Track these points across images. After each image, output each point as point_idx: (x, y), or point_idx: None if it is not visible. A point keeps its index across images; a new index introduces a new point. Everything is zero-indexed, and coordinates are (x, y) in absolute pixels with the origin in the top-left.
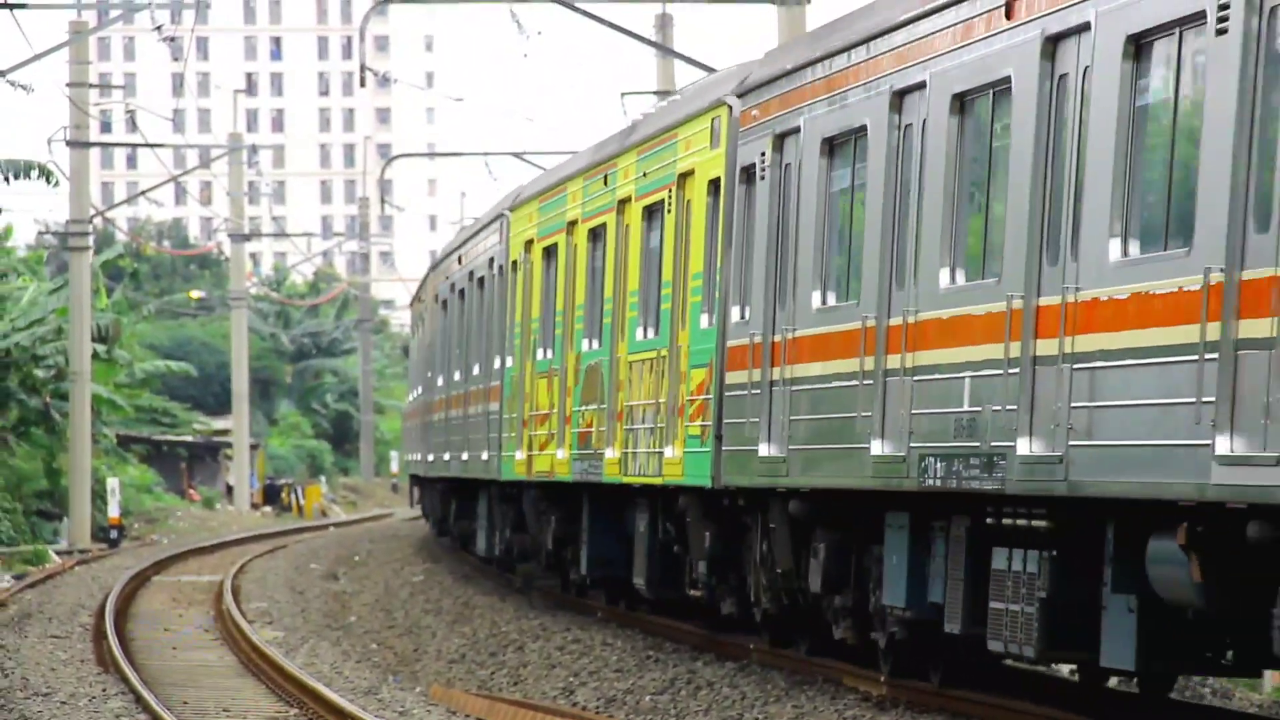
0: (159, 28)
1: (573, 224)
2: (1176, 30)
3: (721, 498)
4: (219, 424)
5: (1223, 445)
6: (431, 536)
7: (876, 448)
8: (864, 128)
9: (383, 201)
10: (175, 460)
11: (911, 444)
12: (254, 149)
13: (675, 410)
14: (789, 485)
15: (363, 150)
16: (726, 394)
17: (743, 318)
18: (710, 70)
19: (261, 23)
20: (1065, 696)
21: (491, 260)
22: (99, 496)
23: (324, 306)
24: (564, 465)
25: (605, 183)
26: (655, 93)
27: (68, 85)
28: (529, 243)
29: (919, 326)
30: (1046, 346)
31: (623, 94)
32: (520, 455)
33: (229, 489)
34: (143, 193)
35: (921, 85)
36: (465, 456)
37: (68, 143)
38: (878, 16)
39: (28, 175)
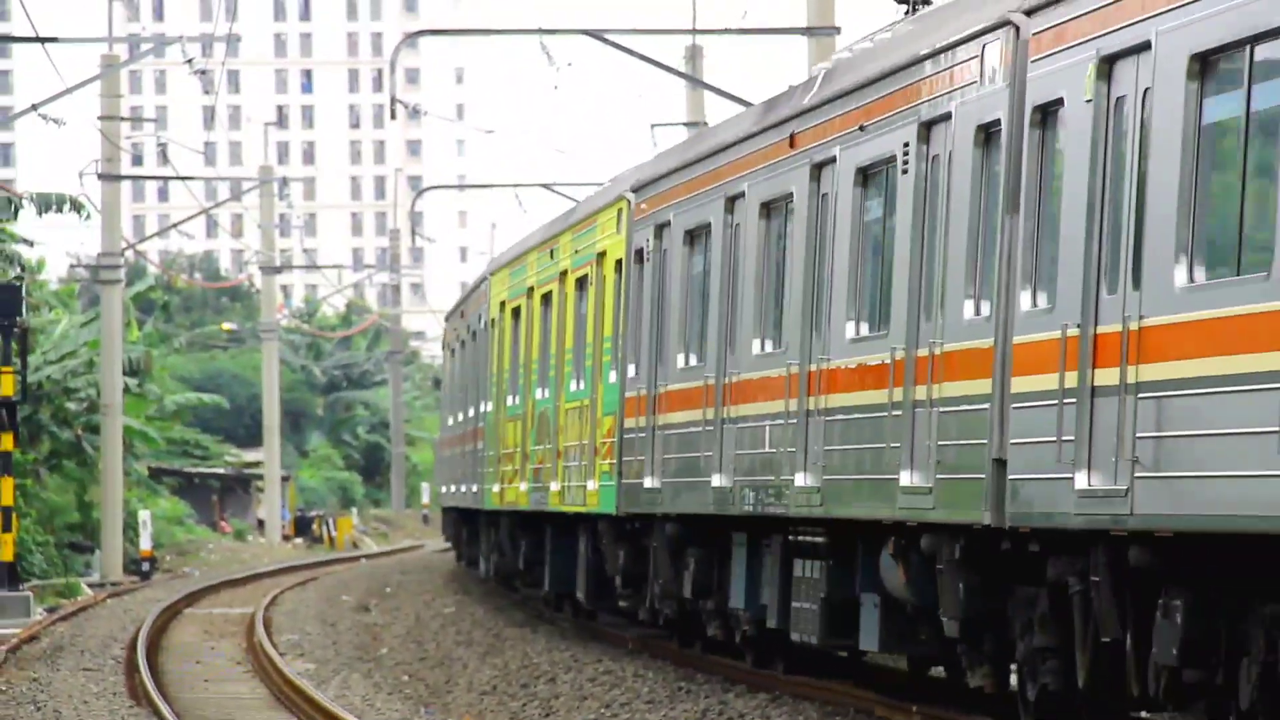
0: (190, 61)
1: (531, 290)
2: (1247, 47)
3: (625, 523)
4: (250, 456)
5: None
6: (461, 567)
7: (716, 480)
8: (706, 226)
9: (413, 233)
10: (207, 492)
11: (736, 478)
12: (285, 181)
13: (594, 450)
14: (663, 511)
15: (393, 182)
16: (625, 436)
17: (635, 374)
18: (742, 102)
19: (292, 55)
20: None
21: (480, 316)
22: (131, 529)
23: (355, 338)
24: (524, 496)
25: (551, 256)
26: (685, 124)
27: (99, 118)
28: (502, 303)
29: (739, 385)
30: (1107, 374)
31: (653, 125)
32: (496, 488)
33: (260, 521)
34: (174, 225)
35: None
36: (462, 489)
37: (99, 176)
38: (712, 139)
39: (60, 209)
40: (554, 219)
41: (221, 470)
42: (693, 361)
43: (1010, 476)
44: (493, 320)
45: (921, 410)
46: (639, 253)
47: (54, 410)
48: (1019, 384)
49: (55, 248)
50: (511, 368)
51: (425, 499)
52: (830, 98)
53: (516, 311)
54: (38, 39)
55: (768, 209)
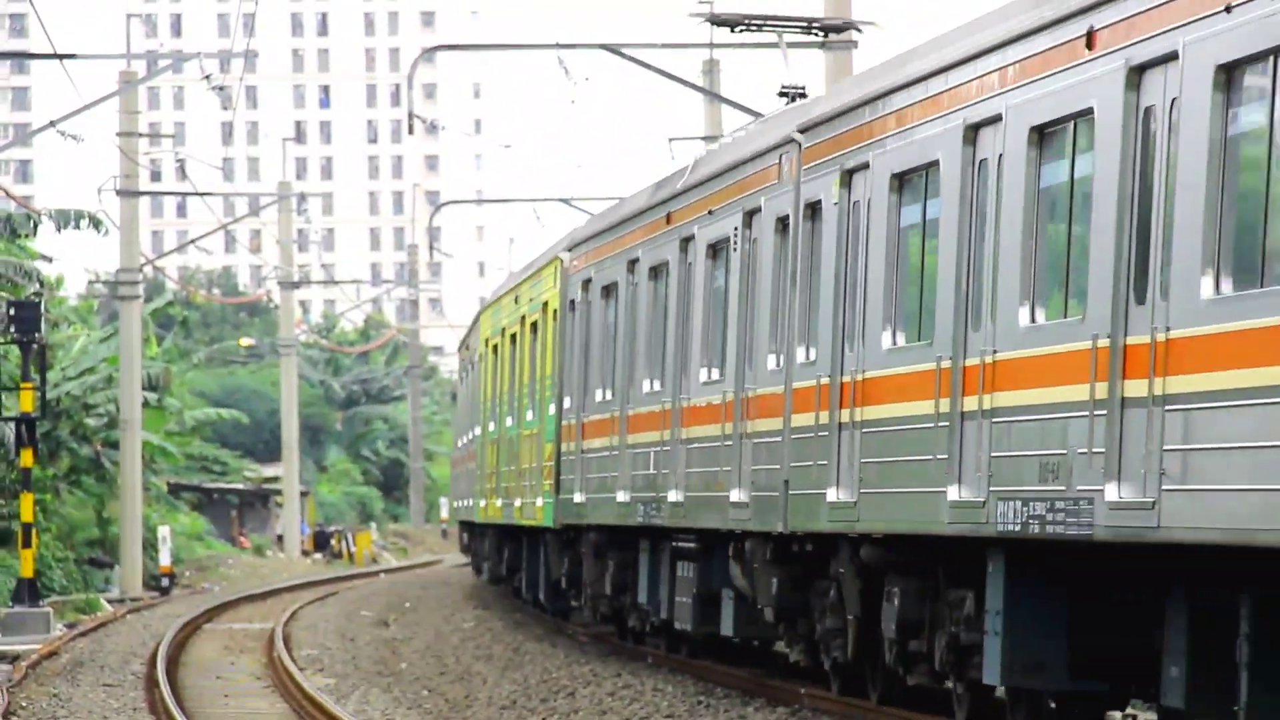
0: (208, 77)
1: (504, 330)
2: (1271, 58)
3: (563, 533)
4: (269, 471)
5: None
6: (480, 581)
7: (620, 496)
8: (615, 284)
9: (431, 248)
10: (226, 508)
11: (633, 494)
12: (303, 197)
13: (541, 471)
14: (587, 522)
15: (411, 197)
16: (562, 459)
17: (569, 406)
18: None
19: (310, 71)
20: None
21: (473, 349)
22: (150, 545)
23: (373, 353)
24: (499, 511)
25: (515, 302)
26: (703, 138)
27: (118, 134)
28: (487, 340)
29: (633, 417)
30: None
31: (670, 139)
32: (483, 503)
33: (279, 537)
34: (192, 241)
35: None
36: (468, 504)
37: (118, 192)
38: (623, 209)
39: (78, 225)
40: (523, 268)
41: (240, 485)
42: (607, 396)
43: (790, 493)
44: (481, 355)
45: (746, 441)
46: (571, 303)
47: (73, 426)
48: (795, 420)
49: (74, 264)
50: (492, 398)
51: (444, 514)
52: (691, 186)
53: (496, 349)
54: (56, 55)
55: (654, 272)
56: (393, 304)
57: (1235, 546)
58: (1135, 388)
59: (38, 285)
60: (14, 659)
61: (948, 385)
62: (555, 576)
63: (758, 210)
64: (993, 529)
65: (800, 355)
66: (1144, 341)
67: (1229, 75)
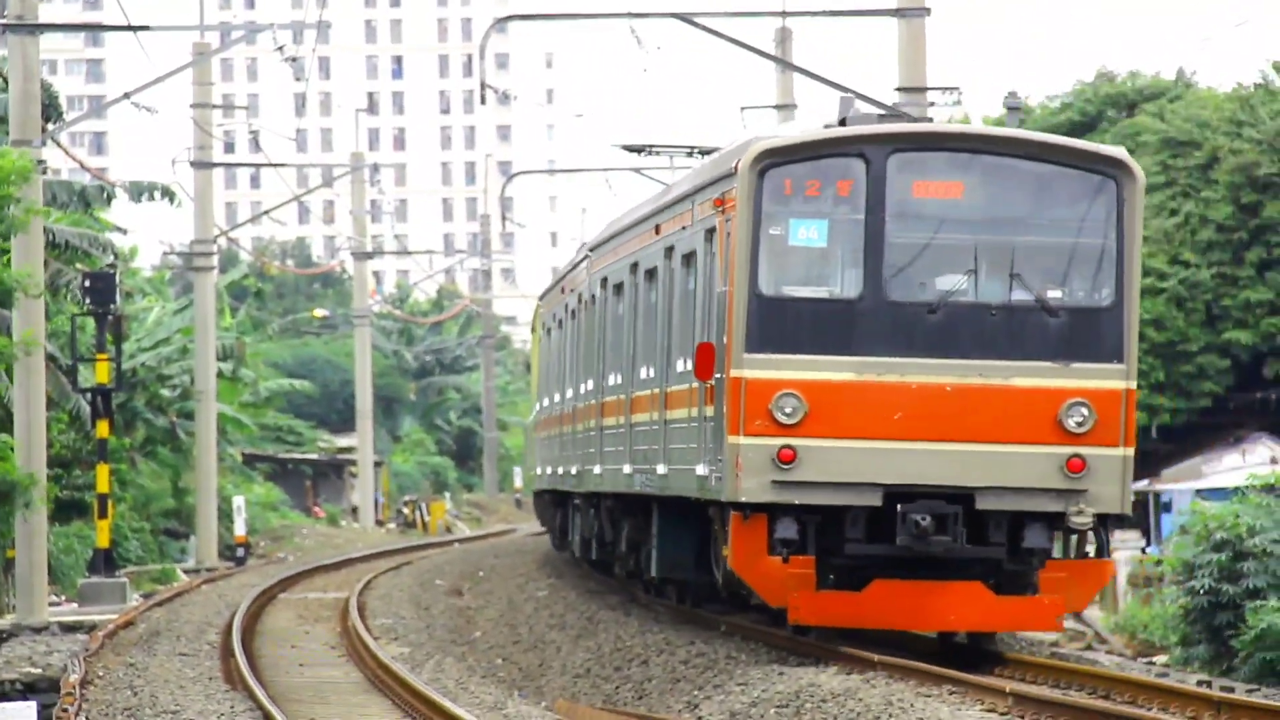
0: (281, 48)
1: (534, 328)
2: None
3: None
4: (343, 441)
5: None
6: (554, 551)
7: (595, 469)
8: (621, 282)
9: (504, 218)
10: (300, 478)
11: (633, 466)
12: (376, 167)
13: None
14: (585, 490)
15: (484, 167)
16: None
17: (549, 401)
18: (830, 84)
19: (383, 42)
20: None
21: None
22: (225, 515)
23: (446, 324)
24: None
25: (561, 293)
26: (775, 107)
27: (191, 106)
28: (534, 329)
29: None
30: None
31: (742, 108)
32: (538, 470)
33: (354, 507)
34: (266, 212)
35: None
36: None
37: (192, 163)
38: (626, 219)
39: (152, 196)
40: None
41: (315, 456)
42: (560, 399)
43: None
44: (538, 339)
45: (624, 429)
46: (593, 297)
47: (148, 397)
48: (635, 419)
49: (148, 236)
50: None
51: (518, 483)
52: (643, 215)
53: (541, 338)
54: (130, 28)
55: (617, 288)
56: (465, 274)
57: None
58: (670, 415)
59: (112, 257)
60: (91, 629)
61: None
62: (587, 538)
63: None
64: (637, 489)
65: (642, 373)
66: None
67: (689, 256)
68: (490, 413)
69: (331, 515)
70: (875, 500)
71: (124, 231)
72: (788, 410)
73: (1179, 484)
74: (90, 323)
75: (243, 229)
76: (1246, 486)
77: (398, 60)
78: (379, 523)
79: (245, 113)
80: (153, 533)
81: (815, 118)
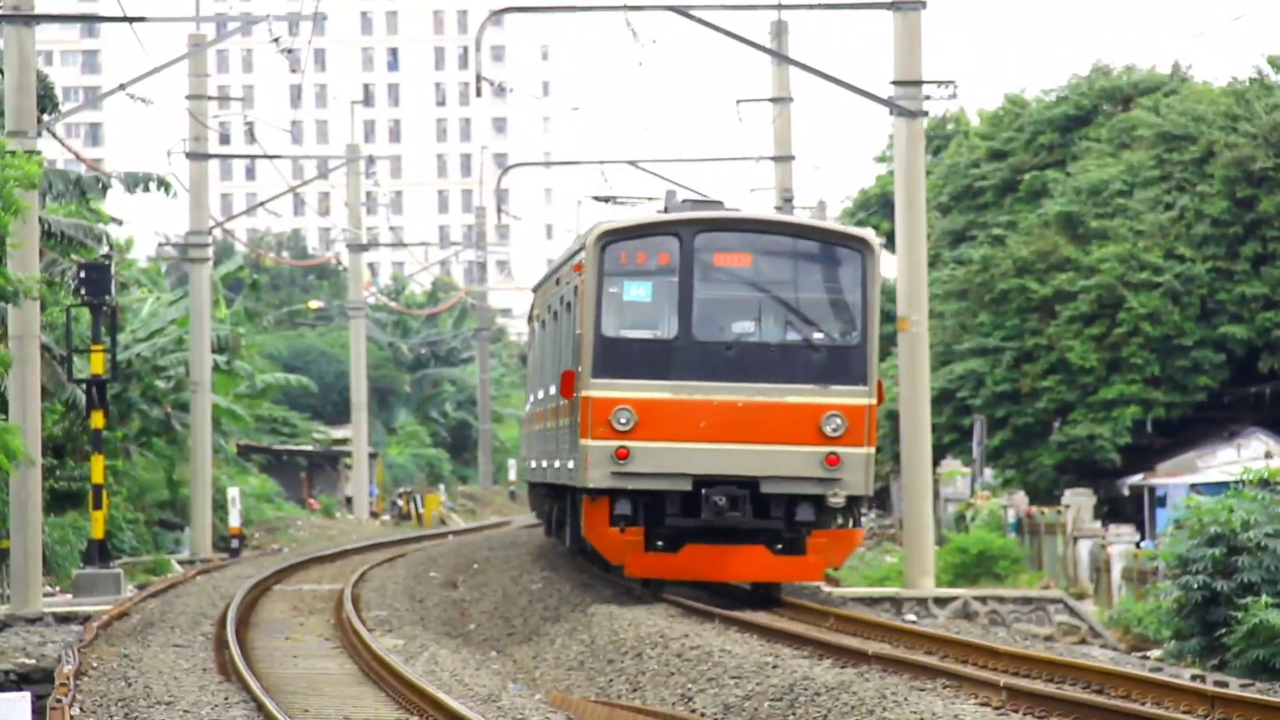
0: (276, 40)
1: (529, 317)
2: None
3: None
4: (338, 433)
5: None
6: (548, 543)
7: (534, 464)
8: (544, 318)
9: (499, 211)
10: (295, 469)
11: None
12: (371, 159)
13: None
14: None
15: (479, 160)
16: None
17: (535, 397)
18: (826, 77)
19: (378, 34)
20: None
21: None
22: (220, 506)
23: (442, 316)
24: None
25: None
26: (771, 99)
27: (187, 98)
28: (529, 319)
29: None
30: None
31: (738, 101)
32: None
33: (348, 498)
34: (261, 204)
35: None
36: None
37: (187, 155)
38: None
39: (147, 187)
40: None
41: (309, 447)
42: (550, 392)
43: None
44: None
45: (552, 432)
46: (541, 322)
47: (143, 388)
48: (548, 425)
49: (143, 227)
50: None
51: (512, 475)
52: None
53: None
54: (126, 19)
55: (554, 315)
56: (461, 266)
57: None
58: (561, 424)
59: (108, 248)
60: (85, 619)
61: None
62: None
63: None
64: (552, 480)
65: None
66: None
67: (568, 305)
68: (485, 405)
69: (326, 507)
70: (686, 486)
71: (119, 223)
72: (623, 420)
73: (1174, 478)
74: (85, 313)
75: (238, 220)
76: (1241, 481)
77: (393, 52)
78: (373, 515)
79: (241, 104)
80: (147, 524)
81: (805, 112)
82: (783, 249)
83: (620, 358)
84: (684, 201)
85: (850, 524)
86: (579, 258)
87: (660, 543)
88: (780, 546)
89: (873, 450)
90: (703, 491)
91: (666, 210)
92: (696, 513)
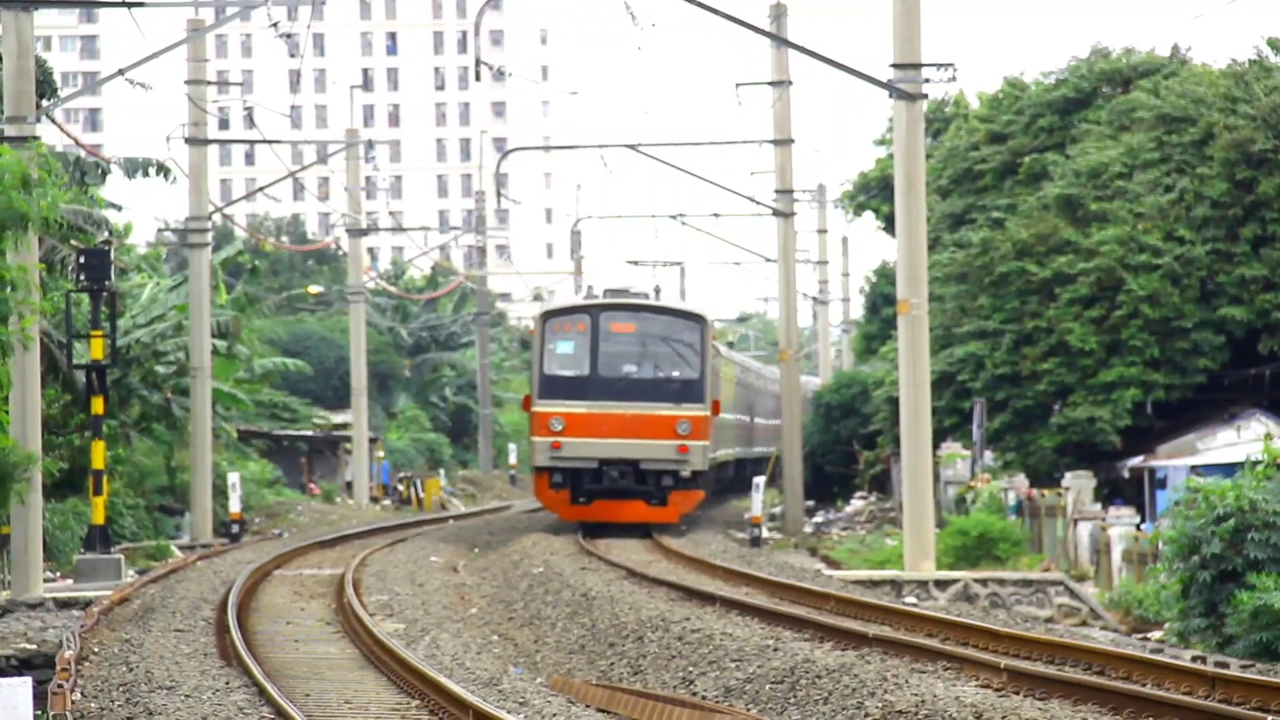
0: (275, 24)
1: None
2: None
3: None
4: (338, 418)
5: None
6: (551, 528)
7: None
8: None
9: (499, 195)
10: (295, 454)
11: None
12: (371, 144)
13: None
14: None
15: (478, 144)
16: None
17: None
18: (825, 60)
19: (377, 18)
20: None
21: None
22: (220, 491)
23: (441, 300)
24: None
25: None
26: (770, 83)
27: (186, 83)
28: None
29: None
30: None
31: (737, 85)
32: None
33: (349, 483)
34: (261, 189)
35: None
36: None
37: (186, 140)
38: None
39: (146, 173)
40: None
41: (310, 432)
42: None
43: None
44: None
45: None
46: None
47: (143, 373)
48: None
49: (143, 212)
50: None
51: (513, 459)
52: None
53: None
54: (124, 4)
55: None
56: (460, 251)
57: None
58: None
59: (107, 233)
60: (86, 604)
61: None
62: None
63: None
64: None
65: None
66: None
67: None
68: (485, 389)
69: (326, 492)
70: (595, 465)
71: (119, 208)
72: (557, 426)
73: (1174, 460)
74: (85, 299)
75: (238, 206)
76: (1249, 463)
77: (392, 36)
78: (374, 499)
79: (240, 89)
80: (148, 509)
81: (805, 95)
82: (654, 321)
83: (556, 386)
84: (606, 290)
85: (695, 488)
86: (534, 324)
87: (581, 499)
88: (653, 501)
89: (708, 442)
90: (605, 468)
91: (589, 296)
92: (601, 481)
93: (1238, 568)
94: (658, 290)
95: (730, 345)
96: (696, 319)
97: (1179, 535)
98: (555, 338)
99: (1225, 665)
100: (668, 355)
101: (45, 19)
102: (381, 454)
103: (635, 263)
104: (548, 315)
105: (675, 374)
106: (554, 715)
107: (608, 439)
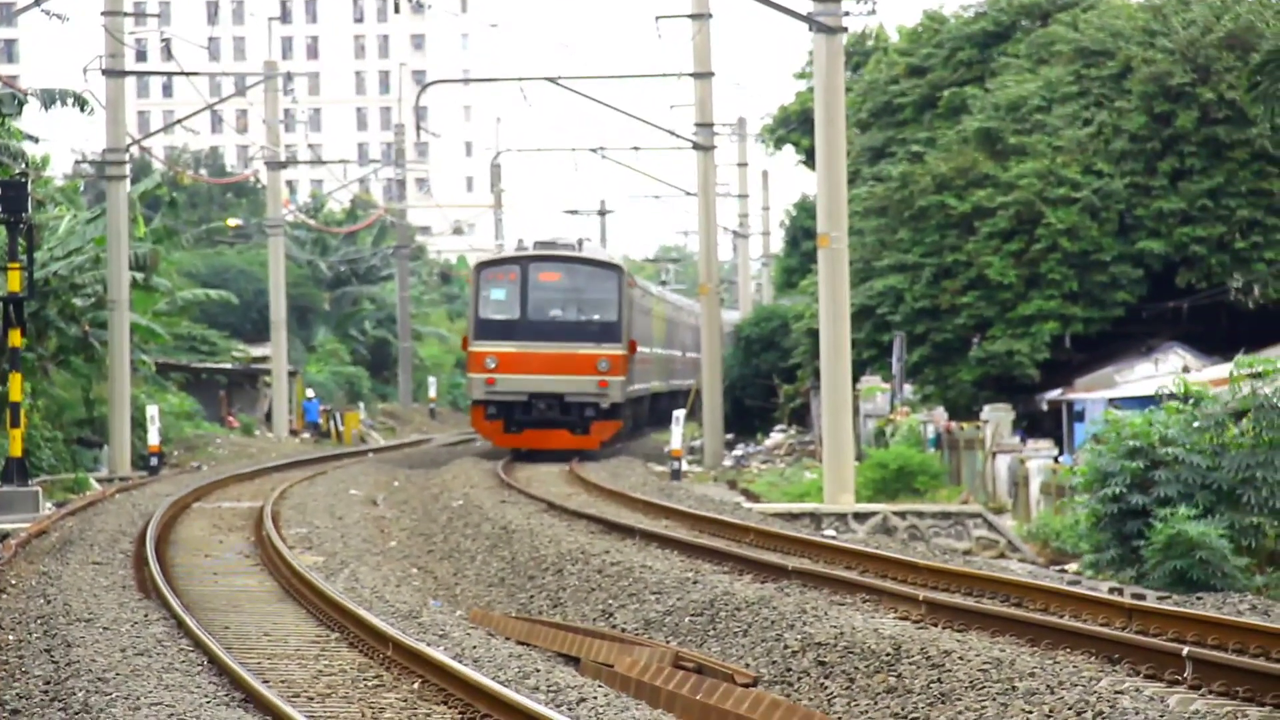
0: None
1: None
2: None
3: None
4: (257, 351)
5: None
6: (470, 460)
7: None
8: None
9: (418, 128)
10: (214, 387)
11: None
12: (289, 76)
13: None
14: None
15: (398, 77)
16: None
17: None
18: None
19: None
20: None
21: None
22: (139, 424)
23: (361, 233)
24: None
25: None
26: (690, 16)
27: (103, 14)
28: None
29: None
30: None
31: (658, 17)
32: None
33: (267, 416)
34: (179, 121)
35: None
36: None
37: (104, 72)
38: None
39: (64, 104)
40: None
41: (229, 365)
42: None
43: None
44: None
45: None
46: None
47: (61, 306)
48: None
49: (60, 145)
50: None
51: (432, 393)
52: None
53: None
54: None
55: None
56: (380, 184)
57: None
58: None
59: (24, 165)
60: (4, 537)
61: None
62: None
63: None
64: None
65: None
66: None
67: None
68: (405, 323)
69: (245, 425)
70: (525, 399)
71: (36, 140)
72: (491, 364)
73: (1092, 394)
74: (2, 231)
75: (156, 138)
76: (1160, 395)
77: None
78: (293, 433)
79: (157, 21)
80: (66, 442)
81: (725, 28)
82: (577, 270)
83: (490, 328)
84: (535, 242)
85: (615, 418)
86: (471, 274)
87: (513, 429)
88: (576, 430)
89: (625, 378)
90: (534, 401)
91: (519, 247)
92: (530, 413)
93: (1147, 504)
94: (580, 242)
95: (663, 284)
96: (614, 268)
97: (1090, 469)
98: (489, 285)
99: (1142, 597)
100: (589, 301)
101: None
102: (311, 393)
103: (573, 212)
104: (482, 265)
105: (595, 317)
106: (473, 648)
107: (536, 375)
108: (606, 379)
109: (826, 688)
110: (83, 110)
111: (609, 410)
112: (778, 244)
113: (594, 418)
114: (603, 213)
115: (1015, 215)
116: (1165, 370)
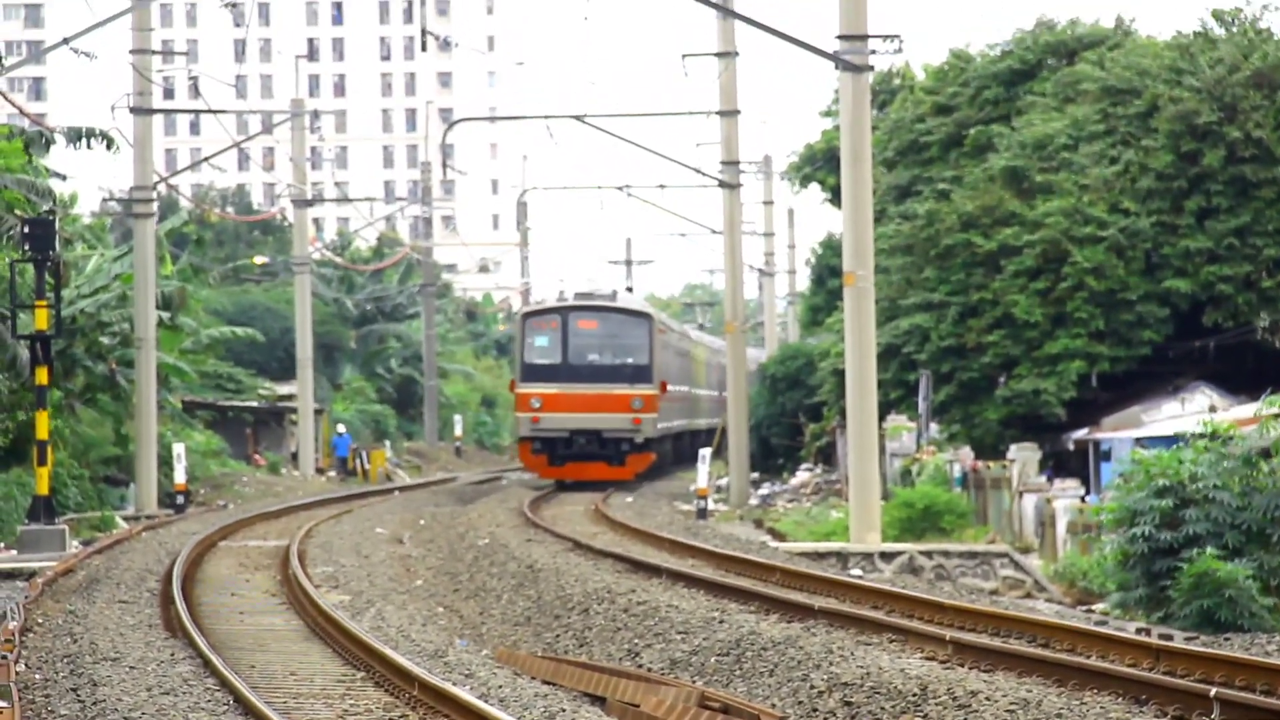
0: None
1: None
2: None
3: None
4: (284, 389)
5: None
6: (495, 499)
7: None
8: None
9: (445, 166)
10: (241, 425)
11: None
12: (316, 114)
13: None
14: None
15: (424, 115)
16: None
17: None
18: (772, 32)
19: None
20: None
21: None
22: (165, 462)
23: (387, 271)
24: None
25: None
26: (716, 54)
27: (131, 52)
28: None
29: None
30: None
31: (684, 56)
32: None
33: (294, 454)
34: (206, 159)
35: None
36: None
37: (131, 109)
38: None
39: (90, 143)
40: None
41: (255, 403)
42: None
43: None
44: None
45: None
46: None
47: (88, 344)
48: None
49: (87, 182)
50: None
51: (458, 431)
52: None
53: None
54: None
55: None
56: (406, 222)
57: None
58: None
59: (51, 203)
60: (30, 576)
61: None
62: None
63: None
64: None
65: None
66: None
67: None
68: (431, 361)
69: (272, 463)
70: (566, 435)
71: (63, 178)
72: (536, 404)
73: (1118, 433)
74: (29, 269)
75: (182, 176)
76: (1188, 435)
77: (338, 6)
78: (319, 471)
79: (185, 59)
80: (92, 480)
81: (751, 66)
82: (612, 319)
83: (534, 372)
84: (575, 294)
85: (648, 451)
86: (516, 323)
87: (556, 462)
88: (613, 463)
89: (656, 415)
90: (574, 437)
91: (560, 298)
92: (571, 447)
93: (1176, 543)
94: (615, 293)
95: (701, 327)
96: (645, 316)
97: (1118, 508)
98: (534, 333)
99: (1169, 637)
100: (623, 346)
101: None
102: (342, 428)
103: (616, 262)
104: (527, 315)
105: (629, 360)
106: (500, 687)
107: (577, 413)
108: (640, 416)
109: None
110: (110, 148)
111: (643, 444)
112: (803, 282)
113: (629, 451)
114: (638, 262)
115: (1041, 254)
116: (1192, 409)
